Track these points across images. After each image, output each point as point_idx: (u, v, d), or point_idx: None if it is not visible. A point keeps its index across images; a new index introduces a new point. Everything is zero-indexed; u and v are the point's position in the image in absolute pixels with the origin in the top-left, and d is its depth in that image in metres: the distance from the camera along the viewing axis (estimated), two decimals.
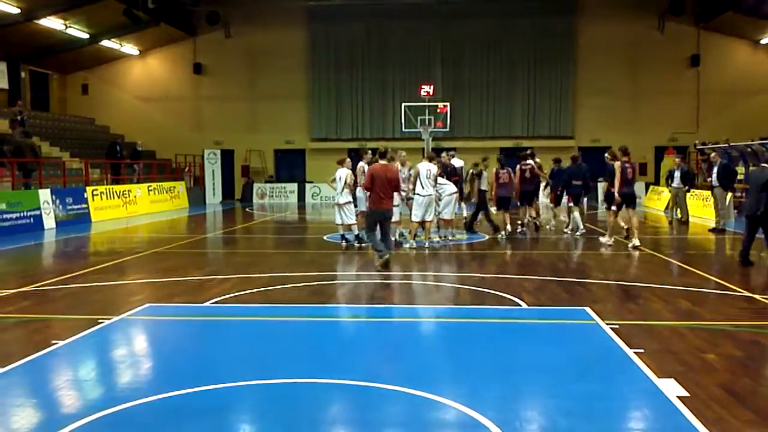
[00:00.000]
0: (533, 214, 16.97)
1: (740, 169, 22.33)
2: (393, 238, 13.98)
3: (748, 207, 11.41)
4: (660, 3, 30.31)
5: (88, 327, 7.26)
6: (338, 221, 14.18)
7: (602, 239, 14.61)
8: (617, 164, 13.90)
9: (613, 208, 14.13)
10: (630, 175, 13.89)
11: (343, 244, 14.18)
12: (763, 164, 11.46)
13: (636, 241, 13.73)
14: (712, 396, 5.11)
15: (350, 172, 14.01)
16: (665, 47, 31.30)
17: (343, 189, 13.89)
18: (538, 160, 17.02)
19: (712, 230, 16.81)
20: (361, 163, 14.22)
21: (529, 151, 17.04)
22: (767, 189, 10.77)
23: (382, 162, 11.63)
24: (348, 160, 14.45)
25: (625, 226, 14.77)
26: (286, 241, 17.39)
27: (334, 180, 14.17)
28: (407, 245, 13.97)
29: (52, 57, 30.43)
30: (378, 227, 11.57)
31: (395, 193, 12.33)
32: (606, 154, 15.20)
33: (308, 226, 21.21)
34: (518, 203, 16.49)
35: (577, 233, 16.04)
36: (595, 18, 31.40)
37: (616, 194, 13.74)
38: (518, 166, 16.25)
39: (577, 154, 17.60)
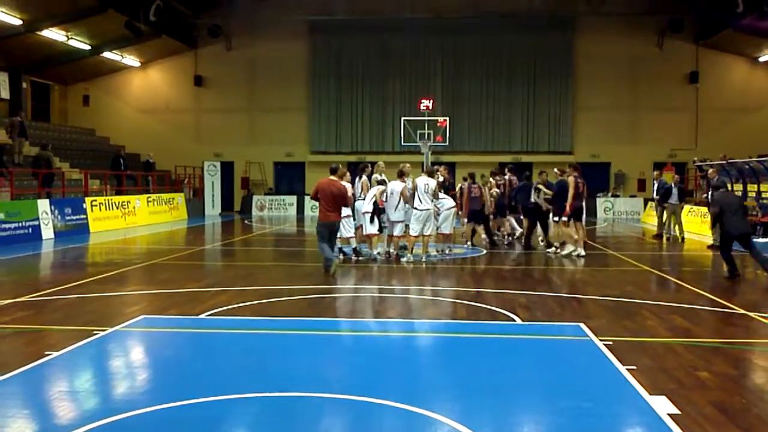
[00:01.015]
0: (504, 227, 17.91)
1: (738, 187, 22.40)
2: (392, 251, 14.17)
3: (738, 227, 11.54)
4: (659, 20, 30.49)
5: (83, 338, 7.27)
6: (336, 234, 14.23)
7: (573, 252, 15.01)
8: (571, 179, 14.79)
9: (564, 218, 14.90)
10: (581, 189, 14.91)
11: (341, 257, 14.22)
12: (722, 189, 12.21)
13: (581, 251, 14.92)
14: (703, 414, 5.11)
15: (350, 185, 14.06)
16: (664, 64, 31.48)
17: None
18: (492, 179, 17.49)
19: (711, 247, 16.81)
20: (363, 178, 14.37)
21: (508, 167, 17.85)
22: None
23: (331, 177, 12.37)
24: (348, 174, 14.52)
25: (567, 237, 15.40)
26: (283, 253, 17.40)
27: None
28: (405, 259, 14.00)
29: (53, 68, 30.58)
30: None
31: (401, 208, 13.70)
32: (555, 170, 16.08)
33: (306, 239, 21.19)
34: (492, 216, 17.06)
35: (506, 240, 17.55)
36: (594, 34, 31.57)
37: (568, 207, 14.69)
38: (491, 180, 17.13)
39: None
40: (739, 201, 12.17)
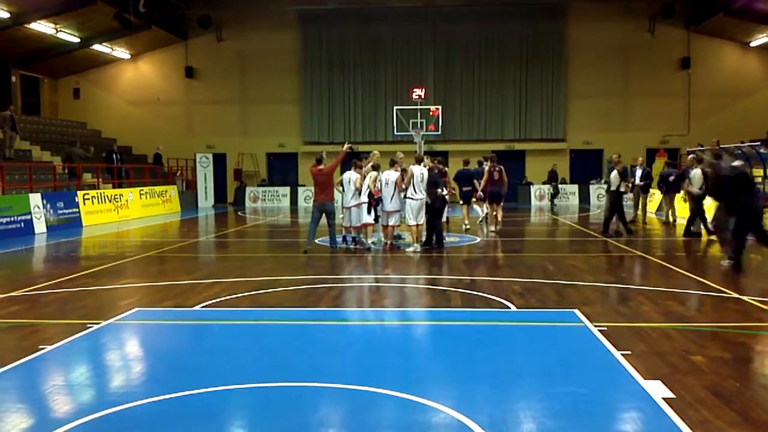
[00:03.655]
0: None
1: None
2: (389, 241, 14.15)
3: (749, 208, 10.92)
4: (650, 6, 30.49)
5: (77, 332, 7.25)
6: (347, 224, 14.64)
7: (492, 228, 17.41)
8: (486, 168, 17.21)
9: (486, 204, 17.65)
10: (496, 176, 17.13)
11: (344, 246, 14.42)
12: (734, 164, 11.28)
13: (496, 228, 17.42)
14: (697, 397, 5.13)
15: (359, 176, 14.13)
16: (656, 50, 31.51)
17: (354, 192, 14.06)
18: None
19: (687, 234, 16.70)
20: (362, 169, 14.48)
21: (491, 155, 18.73)
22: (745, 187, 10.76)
23: (319, 167, 13.77)
24: (359, 164, 14.56)
25: (490, 216, 17.99)
26: (277, 244, 17.38)
27: (339, 183, 14.37)
28: (411, 249, 13.96)
29: (43, 61, 30.42)
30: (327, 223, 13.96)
31: (396, 197, 13.89)
32: (484, 160, 18.07)
33: (300, 229, 21.17)
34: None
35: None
36: (585, 21, 31.56)
37: (480, 191, 17.42)
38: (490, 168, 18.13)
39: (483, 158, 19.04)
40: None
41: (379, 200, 14.01)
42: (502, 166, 17.54)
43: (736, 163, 11.06)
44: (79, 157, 23.31)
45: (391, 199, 13.95)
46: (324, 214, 13.87)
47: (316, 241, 15.90)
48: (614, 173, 16.19)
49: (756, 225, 10.87)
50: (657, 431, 4.63)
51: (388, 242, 14.28)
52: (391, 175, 14.01)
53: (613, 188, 16.13)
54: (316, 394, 5.40)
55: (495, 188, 17.16)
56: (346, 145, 14.81)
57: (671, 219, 19.17)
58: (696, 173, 15.62)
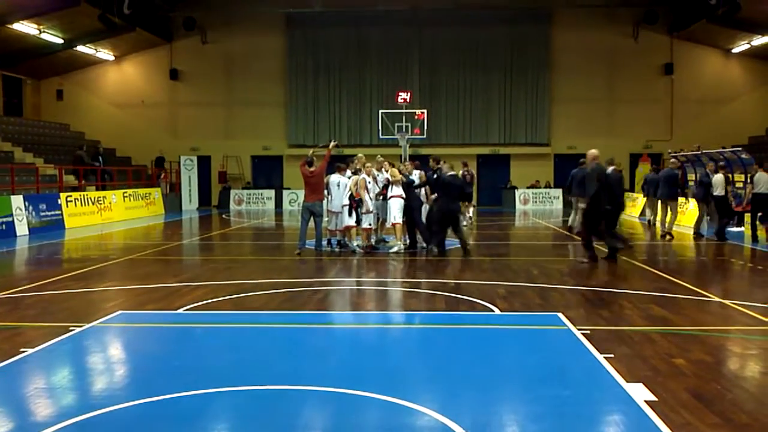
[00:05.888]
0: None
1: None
2: (371, 243, 14.17)
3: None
4: (634, 12, 30.72)
5: (59, 334, 7.19)
6: (333, 227, 14.70)
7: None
8: (459, 172, 18.42)
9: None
10: (468, 179, 19.48)
11: (328, 249, 14.38)
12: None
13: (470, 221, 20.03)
14: (679, 400, 5.17)
15: (352, 181, 14.14)
16: (639, 55, 31.74)
17: (344, 196, 14.05)
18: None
19: (665, 235, 16.91)
20: (348, 172, 14.47)
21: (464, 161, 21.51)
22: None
23: (310, 169, 13.95)
24: (342, 167, 14.56)
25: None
26: (262, 247, 17.32)
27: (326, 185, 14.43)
28: (396, 249, 14.00)
29: (26, 62, 30.16)
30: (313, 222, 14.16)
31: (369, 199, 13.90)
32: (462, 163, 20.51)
33: (285, 232, 21.14)
34: None
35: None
36: (570, 26, 31.73)
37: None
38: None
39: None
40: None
41: (360, 202, 14.03)
42: (473, 172, 21.65)
43: (451, 172, 13.96)
44: (87, 160, 24.33)
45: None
46: (312, 215, 14.00)
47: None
48: (719, 176, 15.79)
49: (454, 222, 13.62)
50: None
51: (370, 243, 14.30)
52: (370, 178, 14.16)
53: (719, 192, 15.55)
54: (300, 397, 5.39)
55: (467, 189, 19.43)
56: (332, 143, 14.83)
57: (653, 221, 19.41)
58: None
